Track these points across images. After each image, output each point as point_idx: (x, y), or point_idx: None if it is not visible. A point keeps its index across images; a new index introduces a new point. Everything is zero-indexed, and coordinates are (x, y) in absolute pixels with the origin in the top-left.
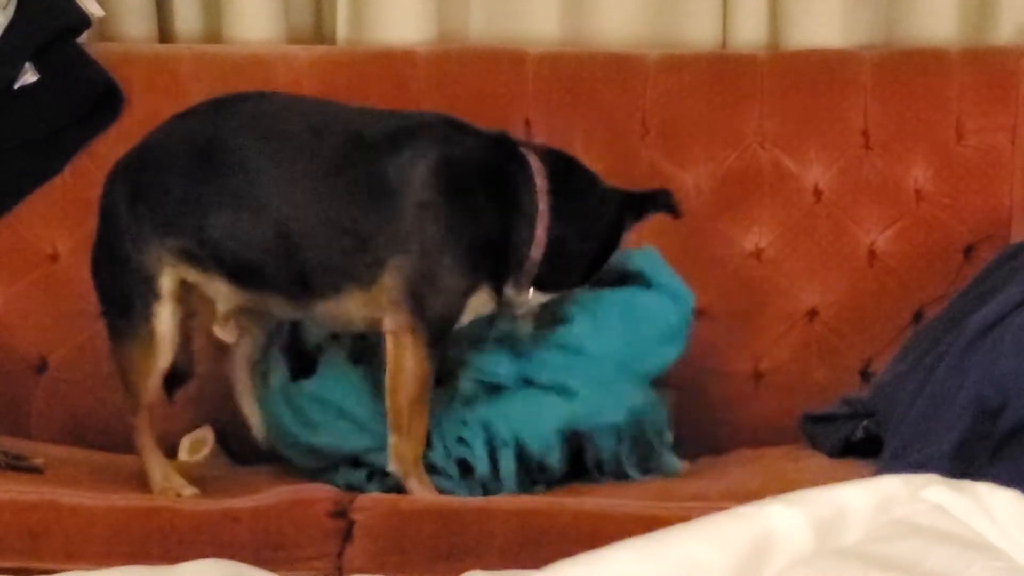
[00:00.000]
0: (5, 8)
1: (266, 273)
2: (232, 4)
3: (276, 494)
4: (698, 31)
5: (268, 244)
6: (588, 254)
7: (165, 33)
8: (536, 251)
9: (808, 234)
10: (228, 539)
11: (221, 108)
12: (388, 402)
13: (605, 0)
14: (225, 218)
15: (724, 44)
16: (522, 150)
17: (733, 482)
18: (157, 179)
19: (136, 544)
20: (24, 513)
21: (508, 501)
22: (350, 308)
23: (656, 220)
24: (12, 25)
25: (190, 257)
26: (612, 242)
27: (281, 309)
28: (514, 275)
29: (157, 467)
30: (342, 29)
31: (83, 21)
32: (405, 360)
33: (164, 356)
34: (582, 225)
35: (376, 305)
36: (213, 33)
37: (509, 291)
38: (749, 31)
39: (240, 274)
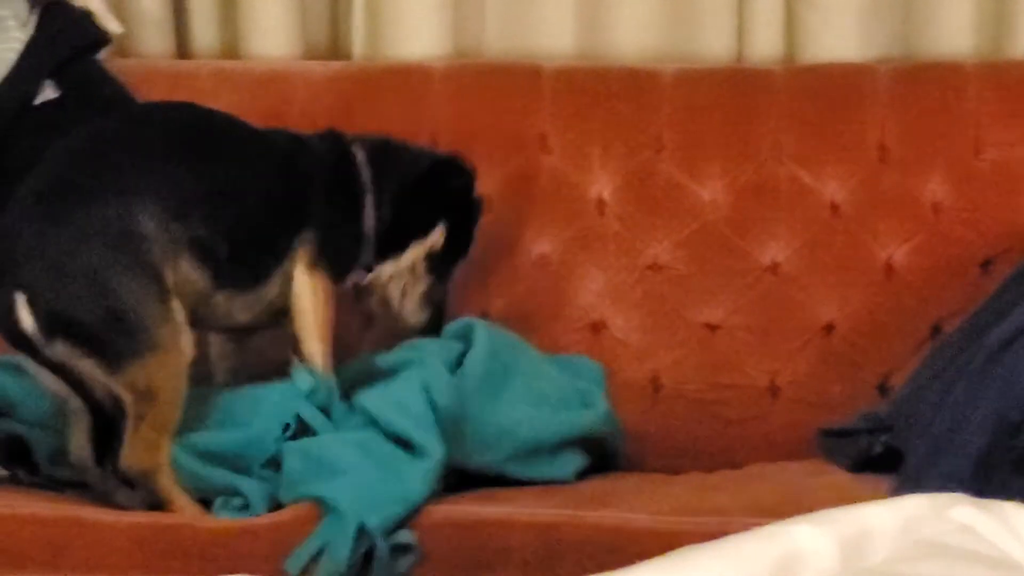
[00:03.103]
0: (25, 25)
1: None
2: (249, 20)
3: (293, 509)
4: (714, 45)
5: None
6: (418, 219)
7: (183, 49)
8: (370, 226)
9: (825, 248)
10: (246, 553)
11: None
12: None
13: (620, 14)
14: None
15: (740, 58)
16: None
17: (751, 497)
18: (148, 179)
19: (156, 559)
20: (46, 527)
21: (529, 513)
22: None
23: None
24: (32, 42)
25: (187, 247)
26: (440, 201)
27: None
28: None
29: (188, 507)
30: (358, 45)
31: (102, 38)
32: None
33: (190, 350)
34: (404, 196)
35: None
36: (230, 49)
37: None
38: (765, 45)
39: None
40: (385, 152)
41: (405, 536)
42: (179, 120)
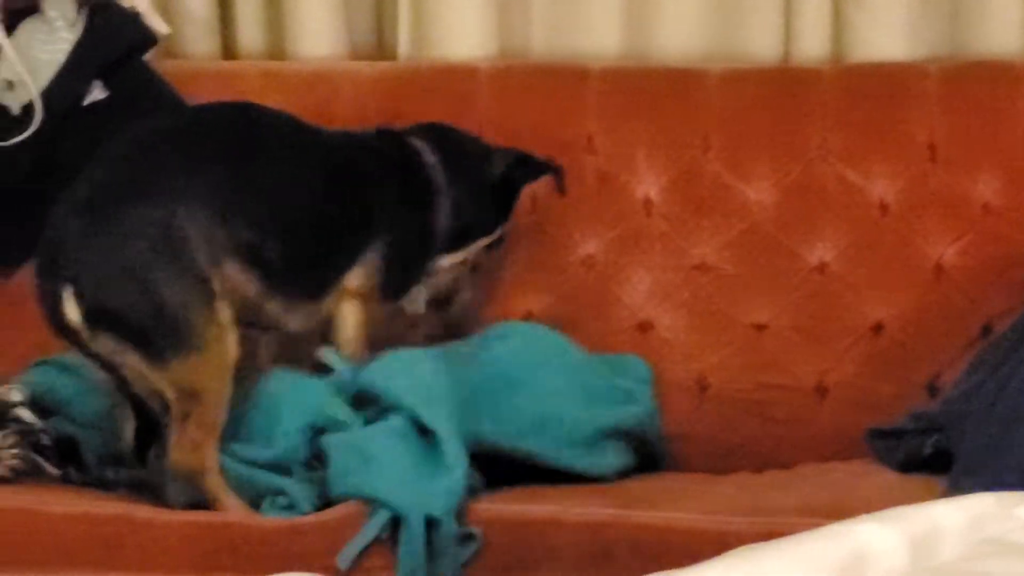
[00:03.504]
0: (73, 26)
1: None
2: (295, 21)
3: (342, 508)
4: (760, 45)
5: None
6: (486, 211)
7: (229, 50)
8: (441, 228)
9: (873, 248)
10: (296, 552)
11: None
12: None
13: (666, 14)
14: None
15: (786, 58)
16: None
17: (801, 497)
18: (196, 182)
19: (207, 557)
20: (99, 525)
21: (577, 512)
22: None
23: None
24: (80, 43)
25: (233, 252)
26: (508, 198)
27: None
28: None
29: (236, 507)
30: (404, 45)
31: (150, 38)
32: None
33: (234, 352)
34: (475, 188)
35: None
36: (276, 49)
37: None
38: (812, 44)
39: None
40: (452, 148)
41: (470, 528)
42: (231, 122)
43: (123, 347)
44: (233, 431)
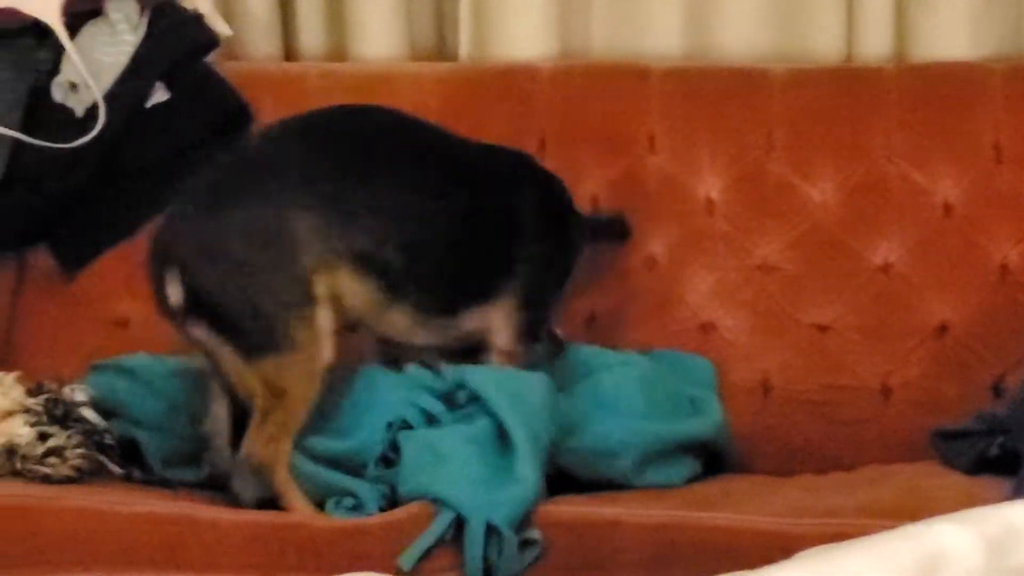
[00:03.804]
0: (136, 28)
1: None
2: (356, 22)
3: (407, 509)
4: (822, 44)
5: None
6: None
7: (290, 51)
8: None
9: (938, 248)
10: (361, 552)
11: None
12: None
13: (728, 14)
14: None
15: (849, 57)
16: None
17: (866, 498)
18: (312, 187)
19: (271, 557)
20: (162, 526)
21: (641, 515)
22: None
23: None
24: (143, 45)
25: (349, 259)
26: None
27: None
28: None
29: (303, 506)
30: (465, 46)
31: (212, 40)
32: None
33: (328, 356)
34: (563, 243)
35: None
36: (337, 50)
37: None
38: (874, 43)
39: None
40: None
41: (532, 532)
42: (363, 128)
43: (217, 337)
44: (316, 424)
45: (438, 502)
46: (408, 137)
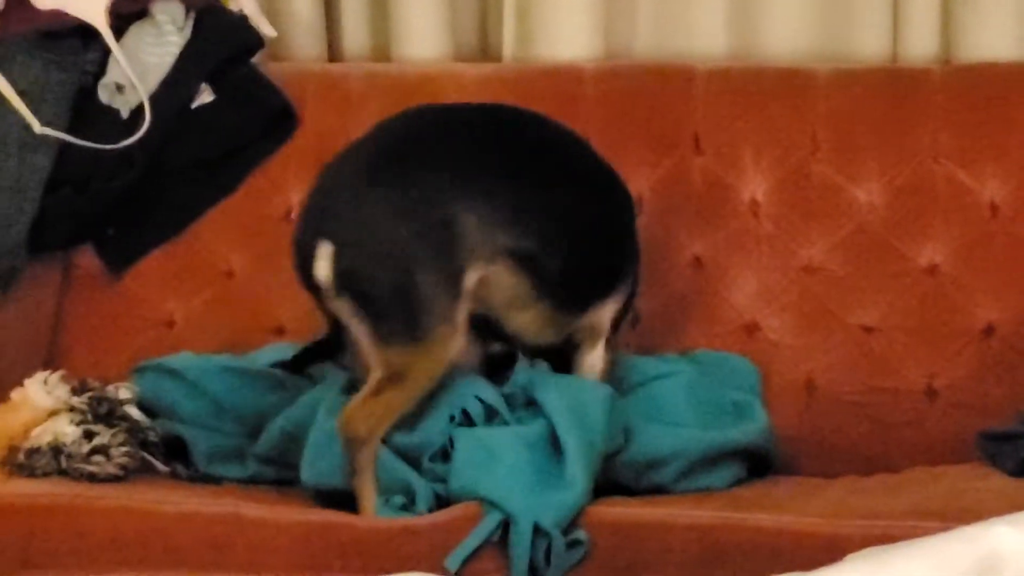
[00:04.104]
0: (182, 30)
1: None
2: (400, 23)
3: (453, 509)
4: (868, 44)
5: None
6: None
7: (334, 52)
8: None
9: (984, 249)
10: (408, 554)
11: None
12: None
13: (772, 14)
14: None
15: (894, 57)
16: None
17: (912, 500)
18: (475, 179)
19: (317, 557)
20: (208, 525)
21: (687, 516)
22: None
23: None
24: (189, 46)
25: (504, 255)
26: None
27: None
28: None
29: (372, 496)
30: (509, 46)
31: (257, 42)
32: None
33: (458, 350)
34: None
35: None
36: (381, 51)
37: None
38: (920, 44)
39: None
40: None
41: (578, 533)
42: (534, 134)
43: (357, 315)
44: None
45: (485, 502)
46: (551, 135)
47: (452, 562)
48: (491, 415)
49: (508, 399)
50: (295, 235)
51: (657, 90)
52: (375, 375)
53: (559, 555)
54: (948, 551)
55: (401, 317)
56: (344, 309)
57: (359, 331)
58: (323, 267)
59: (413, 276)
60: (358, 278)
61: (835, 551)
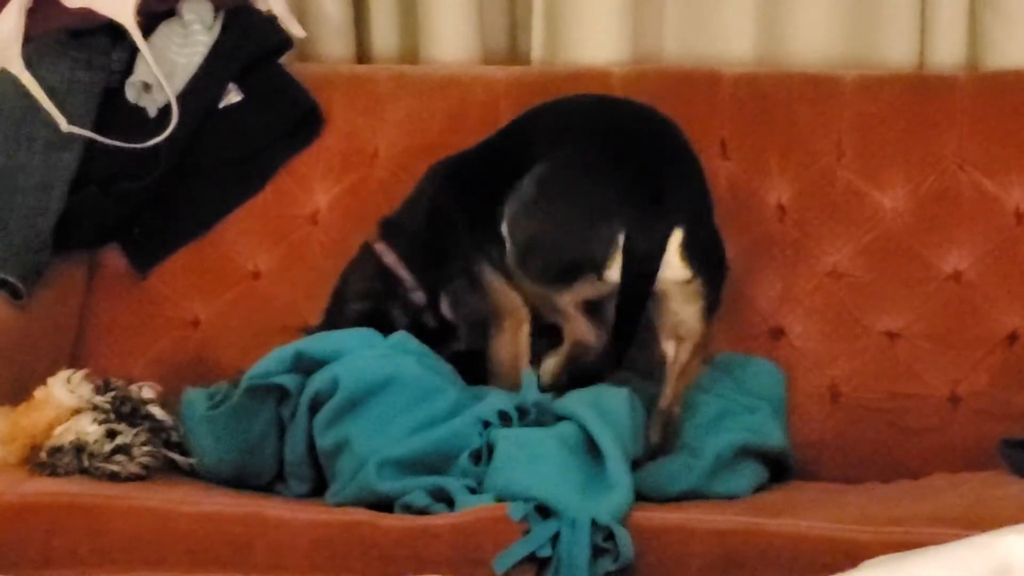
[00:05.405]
0: (210, 29)
1: None
2: (429, 24)
3: (475, 511)
4: (895, 51)
5: None
6: None
7: (363, 53)
8: None
9: (1009, 257)
10: (429, 555)
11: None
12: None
13: (800, 20)
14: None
15: (921, 64)
16: None
17: (933, 507)
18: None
19: (338, 558)
20: (229, 525)
21: (708, 521)
22: None
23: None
24: (217, 46)
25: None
26: None
27: None
28: None
29: None
30: (537, 50)
31: (286, 42)
32: None
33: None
34: None
35: None
36: (410, 53)
37: None
38: (947, 51)
39: None
40: None
41: (622, 534)
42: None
43: (697, 295)
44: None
45: (529, 499)
46: (675, 131)
47: (500, 564)
48: (522, 416)
49: (520, 410)
50: (628, 228)
51: (684, 95)
52: (683, 351)
53: (626, 553)
54: (962, 559)
55: (718, 295)
56: (679, 293)
57: (681, 313)
58: (674, 252)
59: (558, 250)
60: (707, 259)
61: (855, 557)
